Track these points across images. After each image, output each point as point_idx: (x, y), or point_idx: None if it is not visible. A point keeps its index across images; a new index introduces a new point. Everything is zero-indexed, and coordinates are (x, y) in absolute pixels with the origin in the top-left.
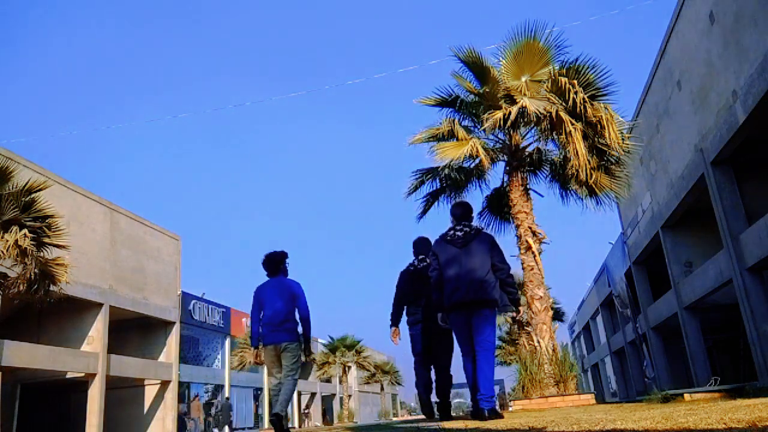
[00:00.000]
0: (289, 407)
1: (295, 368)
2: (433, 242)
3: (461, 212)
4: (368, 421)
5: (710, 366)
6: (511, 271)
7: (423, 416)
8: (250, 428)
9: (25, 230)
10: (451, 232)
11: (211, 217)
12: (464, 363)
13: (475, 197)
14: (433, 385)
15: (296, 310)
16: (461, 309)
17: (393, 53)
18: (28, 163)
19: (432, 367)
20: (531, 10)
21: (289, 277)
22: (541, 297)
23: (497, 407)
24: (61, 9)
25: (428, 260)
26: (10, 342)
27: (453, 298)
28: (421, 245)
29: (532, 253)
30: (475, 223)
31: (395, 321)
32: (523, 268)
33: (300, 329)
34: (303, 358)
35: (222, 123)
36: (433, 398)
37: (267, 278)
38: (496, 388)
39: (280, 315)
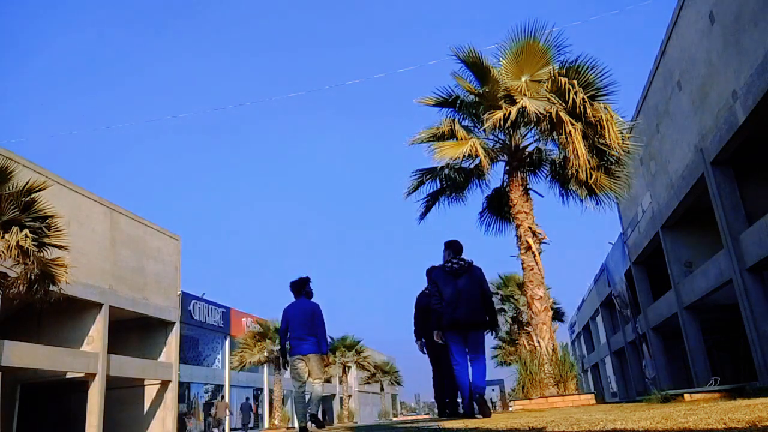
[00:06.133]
0: (290, 407)
1: (321, 373)
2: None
3: (456, 248)
4: (368, 421)
5: (710, 366)
6: (512, 272)
7: (423, 415)
8: (251, 428)
9: (26, 230)
10: (449, 264)
11: (211, 218)
12: (457, 371)
13: (475, 197)
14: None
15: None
16: (459, 328)
17: (393, 53)
18: (28, 163)
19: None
20: (531, 10)
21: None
22: (541, 297)
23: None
24: (62, 10)
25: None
26: (10, 342)
27: (452, 319)
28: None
29: (532, 253)
30: (466, 255)
31: (418, 336)
32: (523, 268)
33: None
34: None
35: (222, 123)
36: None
37: (294, 299)
38: (497, 388)
39: (304, 331)
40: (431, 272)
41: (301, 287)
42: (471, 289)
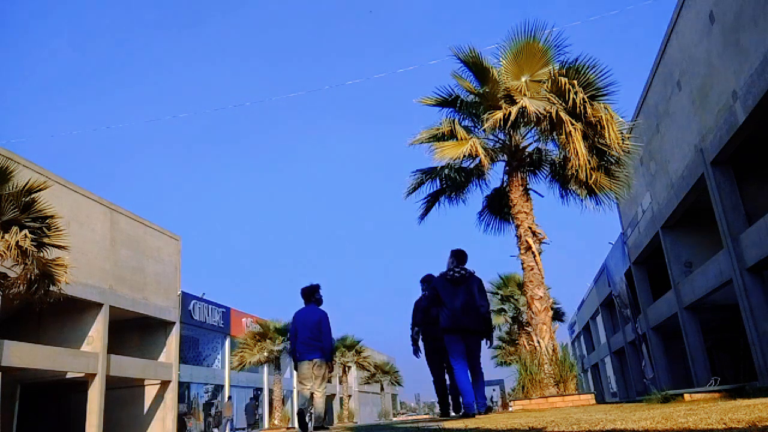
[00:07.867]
0: (290, 407)
1: (323, 380)
2: (434, 278)
3: (460, 257)
4: (368, 421)
5: (710, 366)
6: (512, 272)
7: (423, 416)
8: (251, 428)
9: (26, 231)
10: (451, 272)
11: (212, 217)
12: (456, 370)
13: (475, 197)
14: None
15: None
16: (457, 333)
17: (393, 53)
18: (28, 163)
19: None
20: (531, 10)
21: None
22: (541, 297)
23: (490, 407)
24: (63, 10)
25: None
26: (10, 342)
27: (451, 324)
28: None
29: (532, 253)
30: (468, 265)
31: (415, 340)
32: (523, 268)
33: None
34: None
35: (222, 123)
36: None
37: (304, 305)
38: (497, 388)
39: (311, 337)
40: (426, 280)
41: (310, 294)
42: (469, 297)
